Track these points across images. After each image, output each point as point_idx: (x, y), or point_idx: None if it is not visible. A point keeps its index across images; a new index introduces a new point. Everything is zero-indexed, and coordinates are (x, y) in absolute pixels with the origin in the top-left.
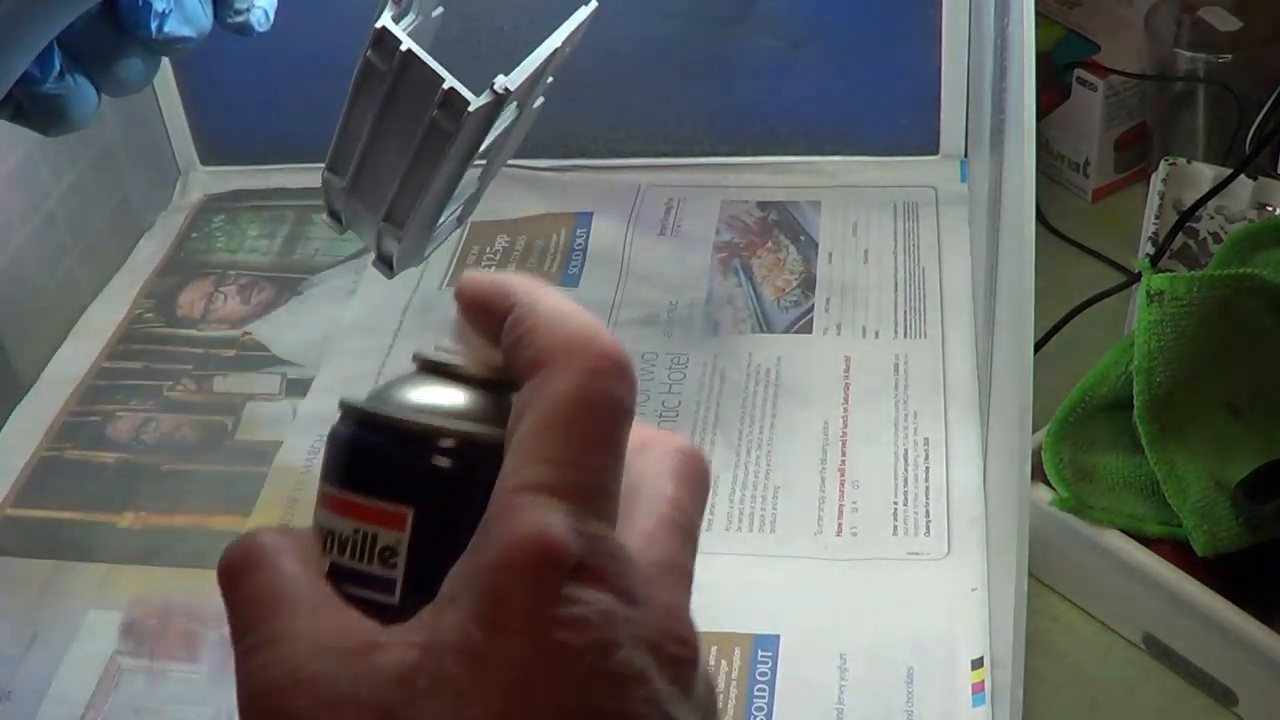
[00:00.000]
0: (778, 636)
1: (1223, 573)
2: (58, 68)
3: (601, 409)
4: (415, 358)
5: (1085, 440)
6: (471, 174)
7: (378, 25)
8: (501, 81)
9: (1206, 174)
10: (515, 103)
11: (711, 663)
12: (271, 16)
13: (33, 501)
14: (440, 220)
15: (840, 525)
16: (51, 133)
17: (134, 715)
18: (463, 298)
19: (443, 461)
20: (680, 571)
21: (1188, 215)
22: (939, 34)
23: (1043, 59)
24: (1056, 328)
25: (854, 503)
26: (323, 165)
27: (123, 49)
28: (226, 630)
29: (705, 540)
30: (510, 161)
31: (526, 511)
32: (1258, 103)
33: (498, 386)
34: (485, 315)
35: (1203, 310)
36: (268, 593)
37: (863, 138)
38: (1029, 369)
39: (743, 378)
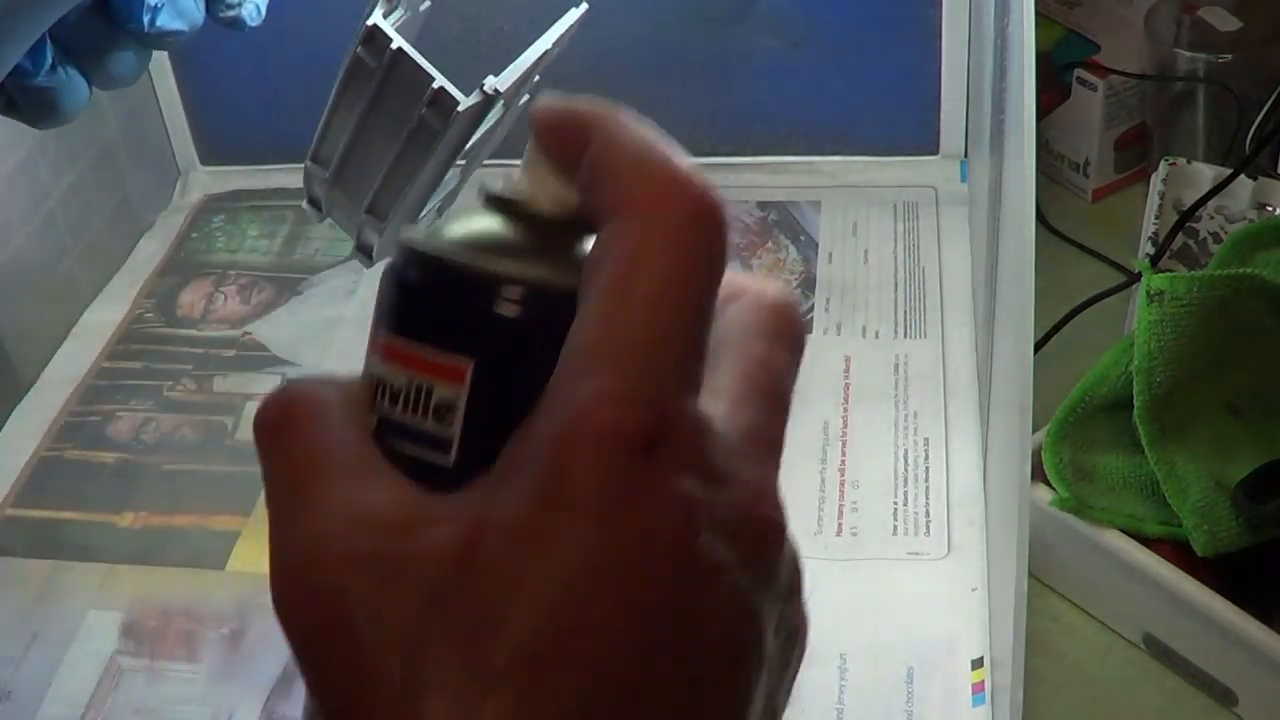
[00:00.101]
0: None
1: (1223, 573)
2: (50, 61)
3: (691, 265)
4: (481, 192)
5: (1085, 440)
6: (452, 170)
7: (369, 23)
8: (491, 82)
9: (1206, 174)
10: (503, 102)
11: None
12: (263, 11)
13: (33, 501)
14: (421, 214)
15: (840, 525)
16: (42, 125)
17: (134, 715)
18: (537, 125)
19: (508, 310)
20: (769, 443)
21: (1188, 215)
22: (939, 34)
23: (1043, 59)
24: (1056, 328)
25: (854, 503)
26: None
27: (115, 42)
28: (226, 630)
29: None
30: (510, 162)
31: (597, 378)
32: (1258, 103)
33: (573, 227)
34: (562, 145)
35: (1203, 310)
36: (308, 455)
37: (863, 138)
38: (1029, 369)
39: None
